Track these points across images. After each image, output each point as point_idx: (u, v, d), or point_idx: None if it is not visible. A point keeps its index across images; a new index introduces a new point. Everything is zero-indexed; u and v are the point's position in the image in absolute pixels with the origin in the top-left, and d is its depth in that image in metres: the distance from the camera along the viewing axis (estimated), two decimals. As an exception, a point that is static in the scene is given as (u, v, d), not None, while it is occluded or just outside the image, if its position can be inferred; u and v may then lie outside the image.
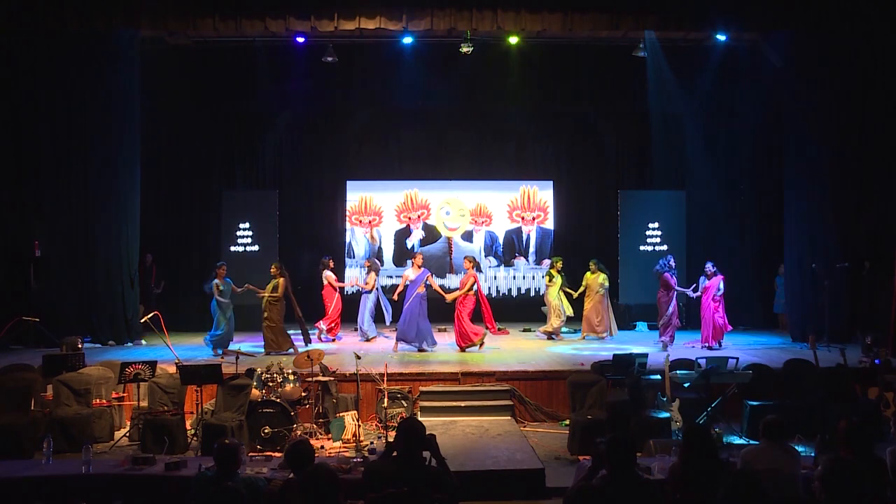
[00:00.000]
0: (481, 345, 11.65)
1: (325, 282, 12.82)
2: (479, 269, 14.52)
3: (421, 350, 11.53)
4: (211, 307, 11.50)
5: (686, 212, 14.75)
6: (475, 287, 11.94)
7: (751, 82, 13.75)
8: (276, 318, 11.54)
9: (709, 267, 11.91)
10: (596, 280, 12.99)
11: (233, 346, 11.39)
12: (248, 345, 11.92)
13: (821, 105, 12.34)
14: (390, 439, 7.03)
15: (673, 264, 12.14)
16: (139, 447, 7.91)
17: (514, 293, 15.68)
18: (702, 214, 14.64)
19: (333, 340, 12.63)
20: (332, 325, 12.83)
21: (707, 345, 11.69)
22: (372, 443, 7.84)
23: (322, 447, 7.75)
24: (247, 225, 14.72)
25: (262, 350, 11.44)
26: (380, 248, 15.60)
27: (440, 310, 12.81)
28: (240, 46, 13.38)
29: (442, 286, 13.23)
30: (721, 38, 12.79)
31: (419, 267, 11.98)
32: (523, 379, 9.70)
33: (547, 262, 15.09)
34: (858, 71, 12.21)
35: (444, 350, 11.72)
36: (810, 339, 10.93)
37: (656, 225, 14.85)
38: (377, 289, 12.98)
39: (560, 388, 9.33)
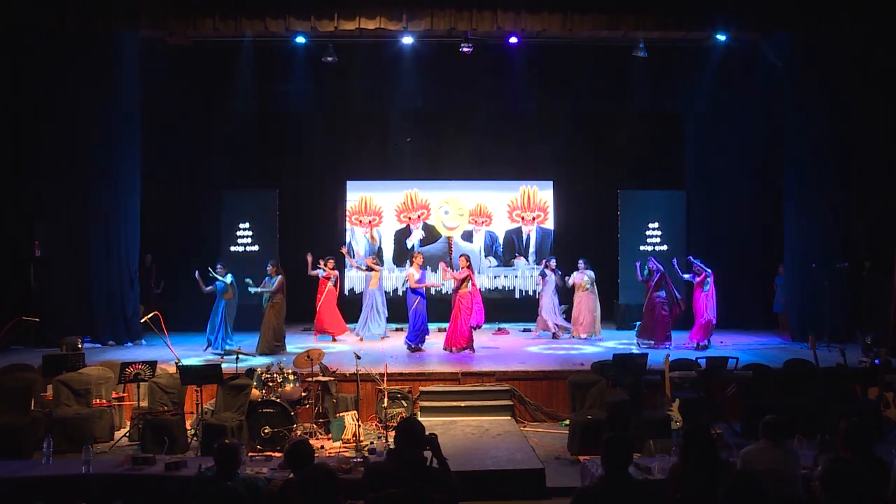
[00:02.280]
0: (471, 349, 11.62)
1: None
2: (477, 271, 14.53)
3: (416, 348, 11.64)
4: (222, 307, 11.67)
5: (686, 212, 14.74)
6: (469, 283, 11.86)
7: (751, 82, 13.75)
8: (276, 318, 11.60)
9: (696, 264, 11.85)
10: (584, 279, 13.01)
11: (232, 346, 11.39)
12: (248, 346, 11.92)
13: (820, 105, 12.34)
14: (390, 439, 7.03)
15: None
16: (139, 447, 7.92)
17: (514, 293, 15.66)
18: (702, 214, 14.64)
19: (333, 340, 12.63)
20: (329, 324, 12.82)
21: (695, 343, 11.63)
22: (372, 443, 7.84)
23: (322, 447, 7.76)
24: (247, 225, 14.71)
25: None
26: (380, 248, 15.59)
27: (440, 310, 12.81)
28: (240, 46, 13.37)
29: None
30: (721, 38, 12.79)
31: (419, 267, 12.03)
32: (523, 379, 9.71)
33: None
34: (858, 71, 12.20)
35: (443, 350, 11.70)
36: (810, 339, 10.89)
37: (656, 225, 14.84)
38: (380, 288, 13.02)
39: (560, 388, 9.34)
